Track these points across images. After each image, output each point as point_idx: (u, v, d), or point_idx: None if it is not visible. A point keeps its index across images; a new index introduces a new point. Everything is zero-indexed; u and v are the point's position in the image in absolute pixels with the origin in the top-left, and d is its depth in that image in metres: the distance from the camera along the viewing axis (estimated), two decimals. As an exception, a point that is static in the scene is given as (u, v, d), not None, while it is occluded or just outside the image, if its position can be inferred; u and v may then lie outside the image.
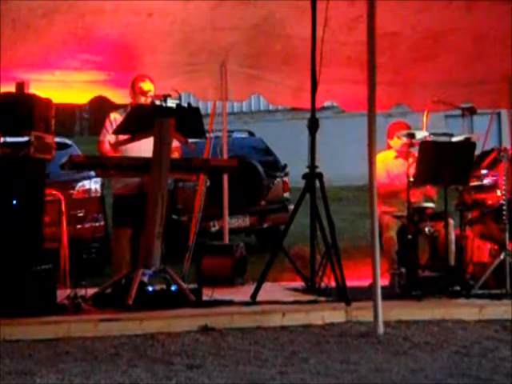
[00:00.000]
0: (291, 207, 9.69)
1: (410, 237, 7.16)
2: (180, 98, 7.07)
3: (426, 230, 7.26)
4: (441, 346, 5.61)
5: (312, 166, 6.91)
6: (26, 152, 6.29)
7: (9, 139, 6.37)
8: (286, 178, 11.80)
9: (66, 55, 7.67)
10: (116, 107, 7.78)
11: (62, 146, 8.88)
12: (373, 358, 5.26)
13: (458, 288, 7.08)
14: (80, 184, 9.42)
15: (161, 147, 6.63)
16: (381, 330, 5.94)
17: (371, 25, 6.11)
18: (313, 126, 6.91)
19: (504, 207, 7.06)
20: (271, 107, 19.05)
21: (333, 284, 6.75)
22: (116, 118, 7.26)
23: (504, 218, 7.06)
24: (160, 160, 6.62)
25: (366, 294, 6.35)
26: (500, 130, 15.39)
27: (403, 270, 7.15)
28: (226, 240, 8.82)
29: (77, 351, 5.41)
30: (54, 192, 8.03)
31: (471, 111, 7.61)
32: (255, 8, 7.56)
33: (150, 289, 6.63)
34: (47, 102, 6.60)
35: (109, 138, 7.23)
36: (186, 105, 6.91)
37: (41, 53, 7.51)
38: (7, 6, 6.82)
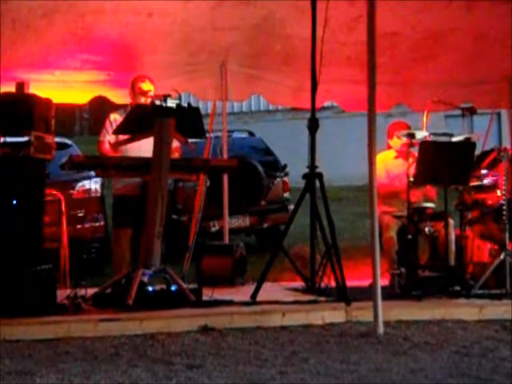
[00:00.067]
0: (291, 207, 9.69)
1: (409, 237, 7.16)
2: (180, 98, 7.07)
3: (426, 230, 7.25)
4: (441, 346, 5.61)
5: (312, 166, 6.91)
6: (26, 152, 6.29)
7: (9, 139, 6.37)
8: (286, 178, 11.80)
9: (66, 55, 7.67)
10: (116, 107, 7.78)
11: (62, 146, 8.88)
12: (373, 358, 5.26)
13: (458, 288, 7.08)
14: (80, 184, 9.42)
15: (161, 147, 6.63)
16: (381, 330, 5.94)
17: (371, 25, 6.11)
18: (313, 126, 6.91)
19: (504, 207, 7.06)
20: (271, 107, 19.05)
21: (333, 284, 6.75)
22: (116, 118, 7.27)
23: (504, 218, 7.06)
24: (160, 160, 6.62)
25: (366, 293, 6.35)
26: (500, 130, 15.38)
27: (403, 270, 7.15)
28: (226, 240, 8.82)
29: (77, 351, 5.41)
30: (54, 192, 8.03)
31: (471, 111, 7.61)
32: (255, 8, 7.56)
33: (150, 289, 6.64)
34: (47, 102, 6.60)
35: (109, 138, 7.24)
36: (185, 105, 6.91)
37: (41, 53, 7.51)
38: (7, 5, 6.82)
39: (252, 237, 12.17)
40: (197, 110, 6.96)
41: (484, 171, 7.44)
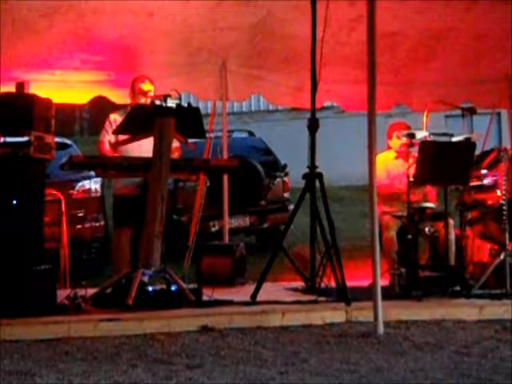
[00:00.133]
0: (291, 207, 9.69)
1: (409, 237, 7.16)
2: (180, 98, 7.06)
3: (426, 230, 7.25)
4: (441, 346, 5.61)
5: (312, 166, 6.91)
6: (26, 152, 6.28)
7: (9, 139, 6.36)
8: (286, 178, 11.79)
9: (66, 55, 7.67)
10: (116, 107, 7.78)
11: (62, 146, 8.87)
12: (373, 358, 5.26)
13: (458, 288, 7.08)
14: (80, 184, 9.40)
15: (161, 147, 6.63)
16: (381, 330, 5.94)
17: (371, 25, 6.11)
18: (313, 126, 6.91)
19: (504, 207, 7.06)
20: (271, 107, 19.04)
21: (333, 284, 6.75)
22: (116, 118, 7.27)
23: (504, 217, 7.06)
24: (160, 160, 6.62)
25: (366, 294, 6.35)
26: (500, 130, 15.38)
27: (403, 270, 7.15)
28: (226, 240, 8.82)
29: (77, 351, 5.41)
30: (54, 192, 8.04)
31: (471, 111, 7.61)
32: (255, 8, 7.56)
33: (150, 289, 6.63)
34: (47, 102, 6.59)
35: (108, 138, 7.24)
36: (186, 105, 6.91)
37: (41, 53, 7.51)
38: (7, 5, 6.82)
39: (252, 237, 12.17)
40: (197, 109, 6.96)
41: (484, 171, 7.44)
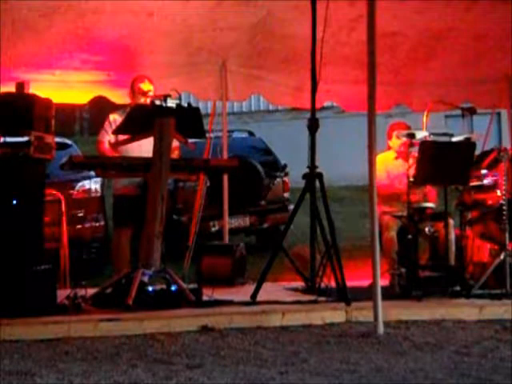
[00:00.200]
0: (291, 207, 9.69)
1: (410, 237, 7.16)
2: (180, 98, 7.06)
3: (426, 230, 7.26)
4: (441, 346, 5.61)
5: (312, 165, 6.91)
6: (26, 152, 6.28)
7: (9, 139, 6.36)
8: (286, 178, 11.79)
9: (66, 55, 7.67)
10: (116, 107, 7.78)
11: (62, 146, 8.87)
12: (373, 358, 5.26)
13: (458, 288, 7.08)
14: (80, 184, 9.40)
15: (161, 147, 6.63)
16: (381, 330, 5.94)
17: (371, 25, 6.11)
18: (313, 126, 6.91)
19: (504, 207, 7.06)
20: (271, 107, 19.04)
21: (333, 284, 6.75)
22: (115, 118, 7.27)
23: (504, 217, 7.06)
24: (160, 160, 6.62)
25: (366, 294, 6.35)
26: (500, 130, 15.38)
27: (403, 270, 7.15)
28: (226, 240, 8.82)
29: (77, 351, 5.41)
30: (54, 192, 8.04)
31: (471, 111, 7.61)
32: (255, 8, 7.56)
33: (150, 289, 6.63)
34: (47, 102, 6.59)
35: (108, 138, 7.24)
36: (186, 105, 6.91)
37: (41, 53, 7.51)
38: (7, 5, 6.82)
39: (252, 237, 12.17)
40: (197, 109, 6.96)
41: (484, 171, 7.43)
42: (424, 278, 7.10)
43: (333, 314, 6.42)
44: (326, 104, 9.34)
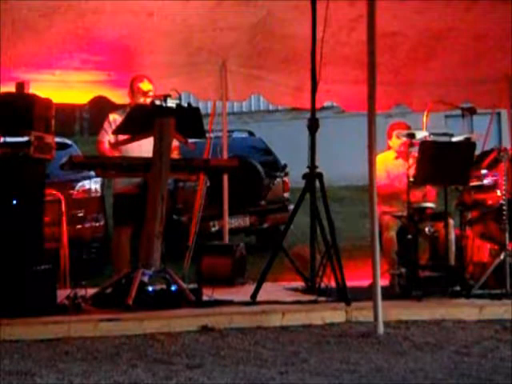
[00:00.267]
0: (291, 207, 9.69)
1: (409, 237, 7.16)
2: (180, 98, 7.06)
3: (426, 230, 7.26)
4: (441, 346, 5.61)
5: (312, 166, 6.91)
6: (26, 152, 6.28)
7: (9, 139, 6.36)
8: (286, 178, 11.79)
9: (66, 55, 7.67)
10: (116, 107, 7.78)
11: (62, 146, 8.87)
12: (373, 358, 5.26)
13: (458, 288, 7.08)
14: (80, 184, 9.40)
15: (161, 147, 6.63)
16: (381, 330, 5.94)
17: (371, 25, 6.11)
18: (313, 126, 6.91)
19: (504, 207, 7.06)
20: (271, 107, 19.03)
21: (333, 284, 6.75)
22: (115, 118, 7.27)
23: (504, 217, 7.06)
24: (160, 160, 6.62)
25: (366, 294, 6.35)
26: (500, 130, 15.37)
27: (403, 270, 7.15)
28: (226, 240, 8.82)
29: (77, 351, 5.41)
30: (54, 192, 8.03)
31: (471, 111, 7.61)
32: (255, 8, 7.56)
33: (150, 289, 6.63)
34: (47, 102, 6.59)
35: (108, 138, 7.24)
36: (186, 105, 6.91)
37: (41, 53, 7.51)
38: (7, 5, 6.82)
39: (252, 237, 12.17)
40: (197, 109, 6.96)
41: (484, 171, 7.43)
42: (424, 277, 7.10)
43: (333, 314, 6.42)
44: (326, 104, 9.34)
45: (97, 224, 9.47)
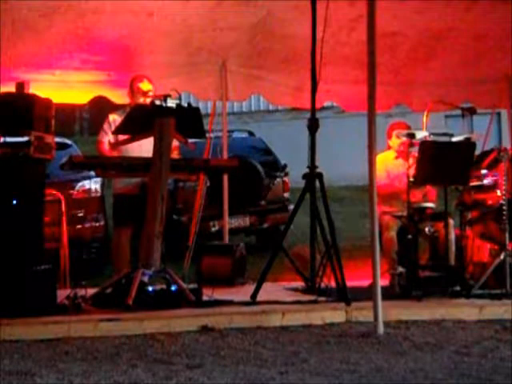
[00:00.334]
0: (291, 207, 9.69)
1: (409, 237, 7.16)
2: (180, 98, 7.06)
3: (426, 230, 7.26)
4: (441, 346, 5.61)
5: (312, 165, 6.91)
6: (26, 152, 6.28)
7: (9, 139, 6.36)
8: (286, 178, 11.79)
9: (66, 55, 7.67)
10: (116, 107, 7.79)
11: (62, 146, 8.87)
12: (373, 358, 5.26)
13: (458, 288, 7.08)
14: (80, 184, 9.40)
15: (161, 147, 6.63)
16: (381, 330, 5.94)
17: (371, 25, 6.11)
18: (313, 126, 6.91)
19: (504, 207, 7.06)
20: (271, 107, 19.03)
21: (333, 284, 6.75)
22: (115, 118, 7.27)
23: (504, 217, 7.06)
24: (160, 160, 6.62)
25: (366, 294, 6.35)
26: (500, 130, 15.37)
27: (403, 270, 7.15)
28: (226, 240, 8.82)
29: (77, 351, 5.42)
30: (54, 192, 8.03)
31: (471, 111, 7.61)
32: (255, 8, 7.56)
33: (150, 289, 6.63)
34: (47, 102, 6.59)
35: (108, 138, 7.24)
36: (186, 105, 6.91)
37: (41, 53, 7.51)
38: (7, 5, 6.82)
39: (252, 237, 12.17)
40: (197, 109, 6.96)
41: (484, 171, 7.43)
42: (424, 277, 7.11)
43: (333, 314, 6.42)
44: (325, 104, 9.34)
45: (97, 224, 9.47)
